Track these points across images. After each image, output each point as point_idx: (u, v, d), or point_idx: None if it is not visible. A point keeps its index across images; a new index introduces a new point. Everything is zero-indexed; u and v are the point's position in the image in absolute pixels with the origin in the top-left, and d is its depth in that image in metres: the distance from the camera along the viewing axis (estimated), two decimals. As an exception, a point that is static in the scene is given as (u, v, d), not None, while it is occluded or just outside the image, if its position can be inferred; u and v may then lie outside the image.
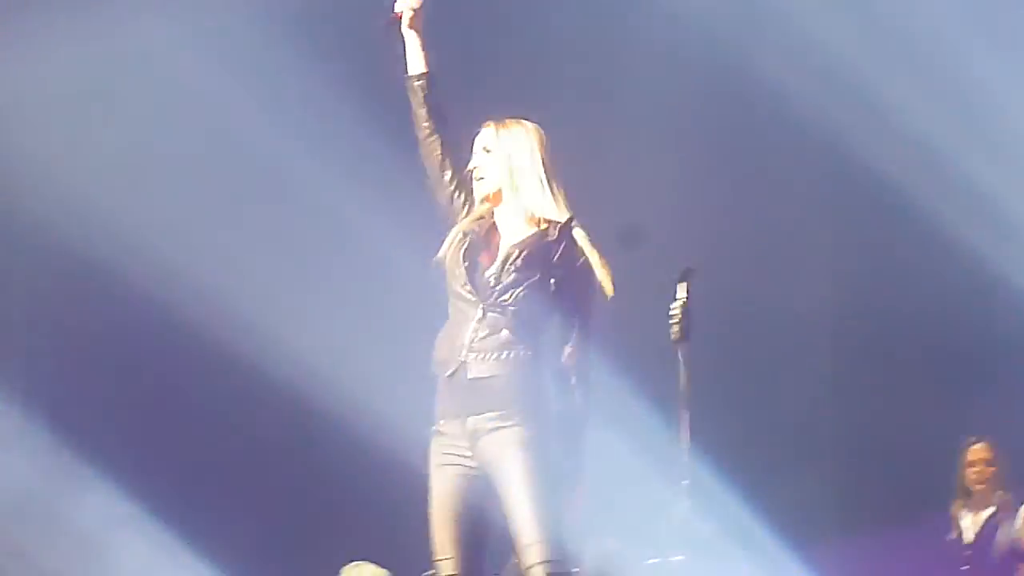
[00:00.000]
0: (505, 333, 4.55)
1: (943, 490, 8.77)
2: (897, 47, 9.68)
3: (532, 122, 4.83)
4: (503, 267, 4.64)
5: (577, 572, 4.65)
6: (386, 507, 8.82)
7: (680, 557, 6.22)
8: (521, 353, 4.55)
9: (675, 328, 5.65)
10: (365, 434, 8.84)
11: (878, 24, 9.74)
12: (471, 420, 4.55)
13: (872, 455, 9.98)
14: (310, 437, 9.70)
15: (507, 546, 4.57)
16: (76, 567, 10.55)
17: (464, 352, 4.57)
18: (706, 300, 5.78)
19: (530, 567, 4.44)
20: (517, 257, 4.64)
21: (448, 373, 4.60)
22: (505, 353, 4.54)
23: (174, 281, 9.36)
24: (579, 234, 4.73)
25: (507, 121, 4.80)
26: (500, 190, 4.73)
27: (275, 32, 9.39)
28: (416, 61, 4.91)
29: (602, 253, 4.72)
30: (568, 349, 4.62)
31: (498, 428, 4.51)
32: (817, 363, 10.19)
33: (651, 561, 7.26)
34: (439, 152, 4.82)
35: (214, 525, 9.12)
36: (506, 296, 4.59)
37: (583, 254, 4.68)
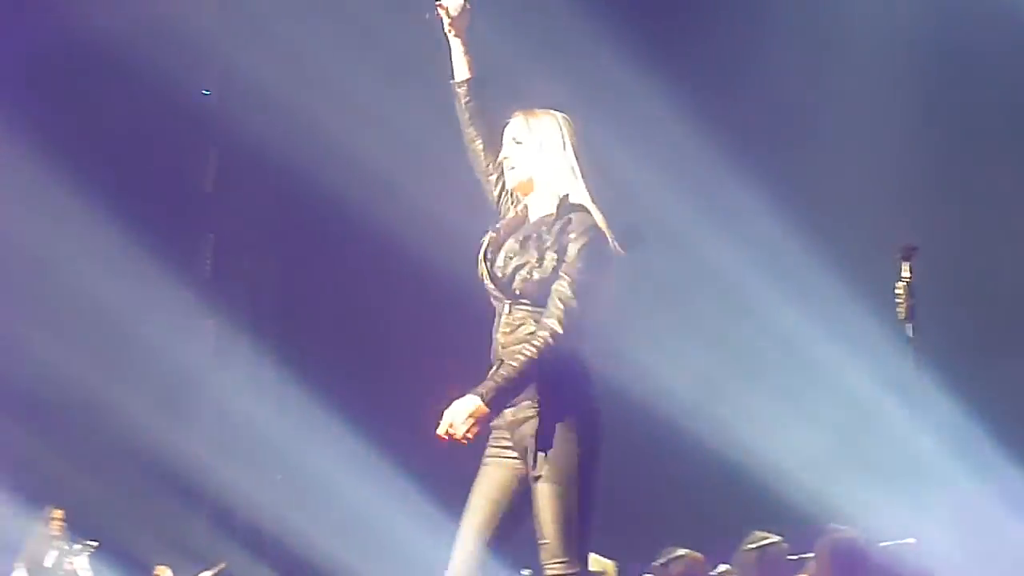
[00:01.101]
0: (529, 325, 4.52)
1: None
2: None
3: (561, 112, 4.77)
4: (505, 258, 4.63)
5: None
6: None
7: (912, 540, 6.19)
8: None
9: (900, 308, 5.61)
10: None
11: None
12: (509, 411, 4.53)
13: None
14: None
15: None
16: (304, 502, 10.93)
17: (500, 349, 4.58)
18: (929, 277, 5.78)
19: (545, 564, 4.45)
20: (514, 243, 4.62)
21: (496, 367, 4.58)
22: (532, 337, 4.49)
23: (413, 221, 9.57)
24: (580, 205, 4.63)
25: (537, 111, 4.76)
26: (531, 179, 4.69)
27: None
28: (460, 67, 4.90)
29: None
30: (544, 315, 4.48)
31: (528, 418, 4.49)
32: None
33: (884, 544, 7.22)
34: (482, 157, 4.84)
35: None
36: (515, 285, 4.56)
37: (581, 222, 4.56)
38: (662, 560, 7.76)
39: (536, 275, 4.53)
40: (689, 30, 10.40)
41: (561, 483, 4.43)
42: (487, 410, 4.40)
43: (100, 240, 11.04)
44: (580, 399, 4.52)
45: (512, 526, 4.57)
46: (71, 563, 10.85)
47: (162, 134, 11.78)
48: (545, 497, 4.43)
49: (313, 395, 10.70)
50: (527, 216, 4.72)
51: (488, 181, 4.85)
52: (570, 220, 4.56)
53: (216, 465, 11.89)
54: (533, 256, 4.55)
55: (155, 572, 11.20)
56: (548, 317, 4.45)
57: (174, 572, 11.41)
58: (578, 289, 4.46)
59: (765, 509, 9.07)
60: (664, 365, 9.83)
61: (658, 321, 9.88)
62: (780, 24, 10.37)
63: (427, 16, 4.89)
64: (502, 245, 4.67)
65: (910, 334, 5.65)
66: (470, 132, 4.87)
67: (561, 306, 4.44)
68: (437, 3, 4.85)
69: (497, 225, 4.76)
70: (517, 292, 4.55)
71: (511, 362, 4.44)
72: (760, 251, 9.80)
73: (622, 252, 4.59)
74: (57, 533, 10.85)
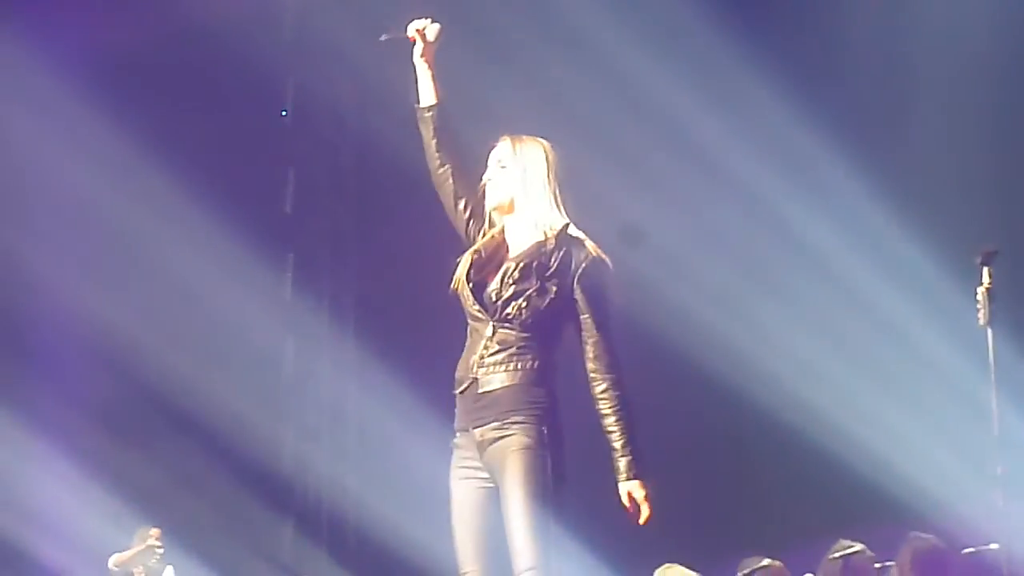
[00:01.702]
0: (513, 347, 4.62)
1: None
2: None
3: (547, 141, 4.86)
4: (502, 282, 4.68)
5: None
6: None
7: (995, 546, 6.19)
8: (528, 363, 4.61)
9: (981, 312, 5.64)
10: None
11: None
12: (478, 431, 4.63)
13: None
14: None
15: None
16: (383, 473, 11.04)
17: (475, 369, 4.65)
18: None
19: (519, 574, 4.50)
20: (514, 270, 4.67)
21: (460, 390, 4.69)
22: (512, 365, 4.61)
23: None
24: (577, 238, 4.75)
25: (524, 137, 4.83)
26: (512, 201, 4.77)
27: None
28: (427, 92, 4.93)
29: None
30: (590, 350, 4.68)
31: (500, 437, 4.58)
32: None
33: (967, 551, 7.25)
34: (451, 183, 4.87)
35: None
36: (509, 309, 4.63)
37: (585, 257, 4.69)
38: (746, 571, 7.82)
39: (534, 303, 4.63)
40: (783, 24, 10.53)
41: (531, 497, 4.53)
42: (645, 482, 4.62)
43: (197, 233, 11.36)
44: (547, 417, 4.61)
45: (497, 540, 4.62)
46: None
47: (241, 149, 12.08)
48: (517, 512, 4.52)
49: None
50: (504, 239, 4.82)
51: (456, 208, 4.90)
52: (569, 250, 4.69)
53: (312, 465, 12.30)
54: (534, 285, 4.64)
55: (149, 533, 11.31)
56: (601, 359, 4.65)
57: None
58: (608, 322, 4.69)
59: (858, 510, 9.15)
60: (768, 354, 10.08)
61: (763, 310, 10.18)
62: (868, 21, 10.47)
63: (382, 38, 4.97)
64: (488, 267, 4.76)
65: (990, 340, 5.64)
66: (438, 158, 4.90)
67: (613, 360, 4.65)
68: (417, 30, 4.91)
69: (476, 247, 4.82)
70: (510, 316, 4.64)
71: (618, 428, 4.61)
72: (867, 241, 9.91)
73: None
74: (155, 549, 11.06)
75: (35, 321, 11.81)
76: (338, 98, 12.28)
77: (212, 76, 11.62)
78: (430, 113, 4.92)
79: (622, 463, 4.62)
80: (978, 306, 5.70)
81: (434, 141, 4.90)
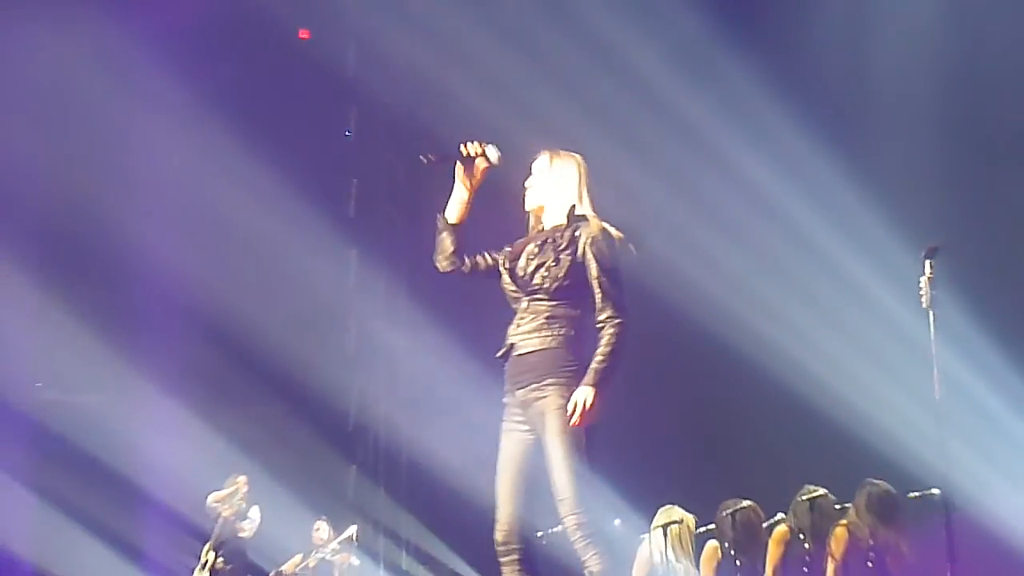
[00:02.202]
0: (544, 316, 5.12)
1: None
2: None
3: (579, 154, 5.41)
4: (527, 259, 5.24)
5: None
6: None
7: (936, 491, 6.80)
8: (558, 331, 5.10)
9: (924, 297, 6.34)
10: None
11: None
12: (520, 392, 5.13)
13: None
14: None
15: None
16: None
17: (513, 336, 5.18)
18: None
19: (564, 517, 4.97)
20: (534, 247, 5.24)
21: (500, 354, 5.22)
22: (545, 333, 5.10)
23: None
24: (584, 216, 5.26)
25: (560, 152, 5.39)
26: (543, 205, 5.36)
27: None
28: (457, 210, 5.38)
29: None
30: (597, 304, 5.09)
31: (539, 397, 5.06)
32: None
33: (912, 494, 7.99)
34: (468, 273, 5.40)
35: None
36: (536, 280, 5.15)
37: (591, 230, 5.16)
38: (726, 511, 8.60)
39: (553, 272, 5.17)
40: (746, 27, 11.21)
41: (570, 449, 4.97)
42: (599, 393, 4.99)
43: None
44: (577, 378, 5.04)
45: (535, 487, 5.13)
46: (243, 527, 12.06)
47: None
48: (559, 461, 4.97)
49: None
50: (537, 233, 5.37)
51: (488, 277, 5.40)
52: (578, 227, 5.22)
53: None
54: (550, 257, 5.19)
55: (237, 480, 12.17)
56: (605, 308, 5.09)
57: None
58: (611, 276, 5.13)
59: (827, 461, 9.77)
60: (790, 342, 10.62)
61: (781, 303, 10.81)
62: (827, 24, 11.17)
63: (424, 160, 5.30)
64: (520, 253, 5.31)
65: (931, 321, 6.27)
66: (451, 260, 5.39)
67: (610, 297, 5.10)
68: (480, 150, 5.31)
69: (514, 243, 5.40)
70: (536, 287, 5.17)
71: (602, 353, 5.04)
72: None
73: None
74: (242, 491, 12.04)
75: (141, 286, 12.74)
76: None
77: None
78: (451, 228, 5.38)
79: (588, 373, 5.01)
80: (921, 292, 6.34)
81: (451, 249, 5.37)
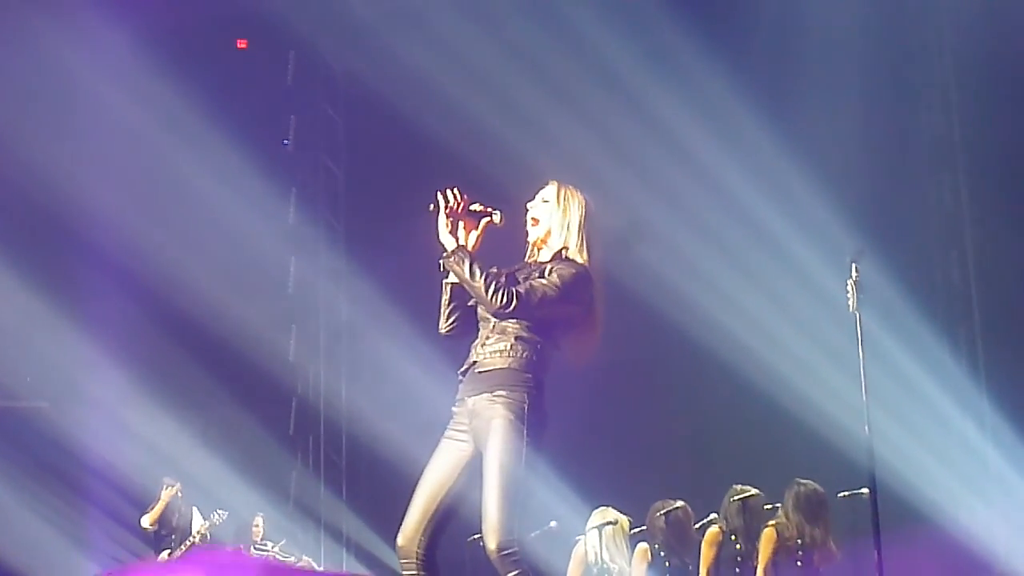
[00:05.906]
0: (511, 337, 5.13)
1: None
2: None
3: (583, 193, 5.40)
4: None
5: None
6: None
7: (866, 491, 6.88)
8: (522, 354, 5.10)
9: (851, 300, 6.48)
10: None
11: None
12: (471, 400, 5.12)
13: None
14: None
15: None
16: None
17: (477, 352, 5.19)
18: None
19: (487, 542, 4.88)
20: (511, 273, 5.26)
21: (462, 370, 5.22)
22: (508, 352, 5.10)
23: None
24: (571, 257, 5.27)
25: (569, 187, 5.38)
26: (548, 235, 5.36)
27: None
28: (450, 315, 5.35)
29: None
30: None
31: (489, 406, 5.05)
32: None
33: (841, 494, 8.11)
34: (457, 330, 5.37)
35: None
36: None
37: (566, 263, 5.21)
38: (659, 512, 8.71)
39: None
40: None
41: (506, 468, 4.94)
42: (449, 252, 5.16)
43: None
44: (529, 395, 5.06)
45: (456, 501, 5.10)
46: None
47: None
48: (493, 476, 4.93)
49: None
50: (535, 262, 5.37)
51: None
52: (556, 263, 5.24)
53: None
54: (521, 283, 5.15)
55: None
56: (521, 288, 5.10)
57: None
58: (545, 287, 5.12)
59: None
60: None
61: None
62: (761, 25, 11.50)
63: (431, 207, 5.24)
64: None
65: (858, 324, 6.45)
66: (450, 325, 5.36)
67: (526, 287, 5.11)
68: (488, 217, 5.30)
69: (502, 269, 5.29)
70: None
71: (481, 272, 5.10)
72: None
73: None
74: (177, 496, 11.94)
75: (83, 241, 12.67)
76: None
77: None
78: (453, 289, 5.34)
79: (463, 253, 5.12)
80: (848, 296, 6.48)
81: (451, 306, 5.34)
